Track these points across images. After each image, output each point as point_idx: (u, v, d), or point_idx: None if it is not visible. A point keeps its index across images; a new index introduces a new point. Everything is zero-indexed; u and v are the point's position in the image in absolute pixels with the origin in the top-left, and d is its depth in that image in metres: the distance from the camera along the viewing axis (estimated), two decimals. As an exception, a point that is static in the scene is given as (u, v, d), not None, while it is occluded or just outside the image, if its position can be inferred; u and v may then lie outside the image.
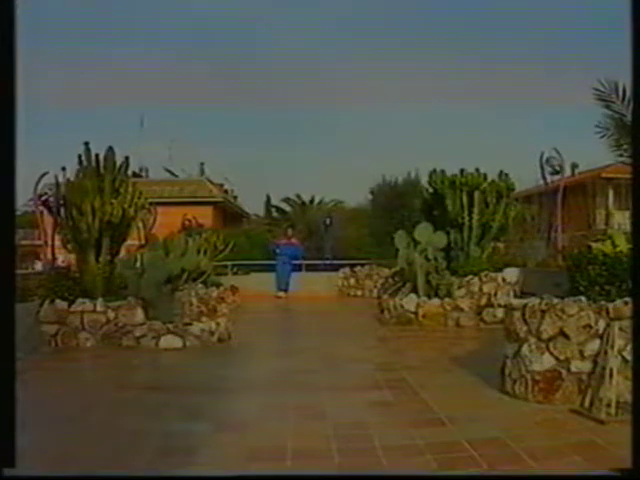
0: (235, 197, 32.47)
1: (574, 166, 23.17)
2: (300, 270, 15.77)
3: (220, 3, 41.43)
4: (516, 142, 44.14)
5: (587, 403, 3.82)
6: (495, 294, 8.57)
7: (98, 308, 6.97)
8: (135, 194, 7.70)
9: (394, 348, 7.18)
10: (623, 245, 4.30)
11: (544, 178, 11.08)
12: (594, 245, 4.50)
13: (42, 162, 10.49)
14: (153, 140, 53.49)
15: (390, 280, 10.06)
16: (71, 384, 5.28)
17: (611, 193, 23.32)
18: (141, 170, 28.35)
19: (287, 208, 34.67)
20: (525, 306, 4.14)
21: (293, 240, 16.44)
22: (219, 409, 4.24)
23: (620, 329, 3.76)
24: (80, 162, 7.50)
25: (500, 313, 7.71)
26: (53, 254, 9.32)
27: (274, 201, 35.72)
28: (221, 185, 29.81)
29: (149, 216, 11.86)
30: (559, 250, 10.27)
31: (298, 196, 34.12)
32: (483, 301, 8.55)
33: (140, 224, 10.52)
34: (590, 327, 3.91)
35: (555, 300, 4.08)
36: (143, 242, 10.83)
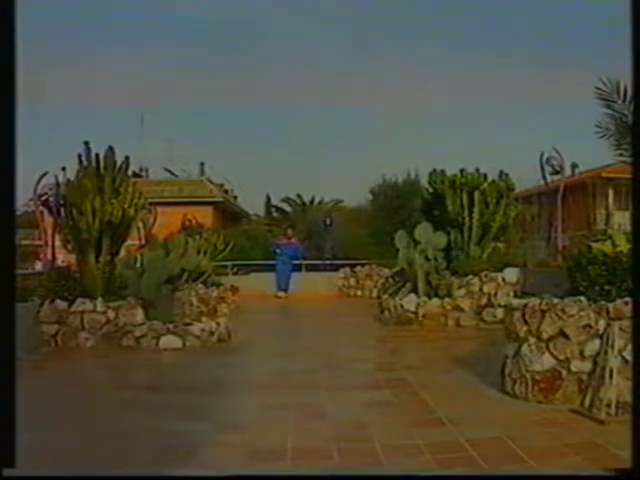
0: (235, 197, 32.49)
1: (574, 166, 23.17)
2: (300, 270, 15.77)
3: (221, 3, 41.47)
4: (516, 142, 44.14)
5: (587, 403, 3.81)
6: (495, 294, 8.56)
7: (98, 308, 6.96)
8: (135, 194, 7.71)
9: (394, 348, 7.19)
10: (623, 245, 4.30)
11: (544, 178, 11.08)
12: (594, 245, 4.50)
13: (42, 162, 10.51)
14: (153, 140, 53.51)
15: (390, 280, 10.07)
16: (71, 384, 5.28)
17: (611, 193, 23.34)
18: (141, 170, 28.36)
19: (287, 208, 34.69)
20: (525, 306, 4.14)
21: (293, 240, 16.43)
22: (219, 409, 4.24)
23: (620, 329, 3.76)
24: (80, 162, 7.50)
25: (500, 313, 7.71)
26: (53, 254, 9.32)
27: (274, 201, 35.78)
28: (221, 185, 29.83)
29: (149, 216, 11.85)
30: (559, 250, 10.28)
31: (298, 196, 34.15)
32: (483, 301, 8.55)
33: (140, 224, 10.51)
34: (590, 327, 3.90)
35: (555, 300, 4.08)
36: (143, 242, 10.83)
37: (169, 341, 6.76)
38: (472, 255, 9.08)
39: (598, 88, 7.75)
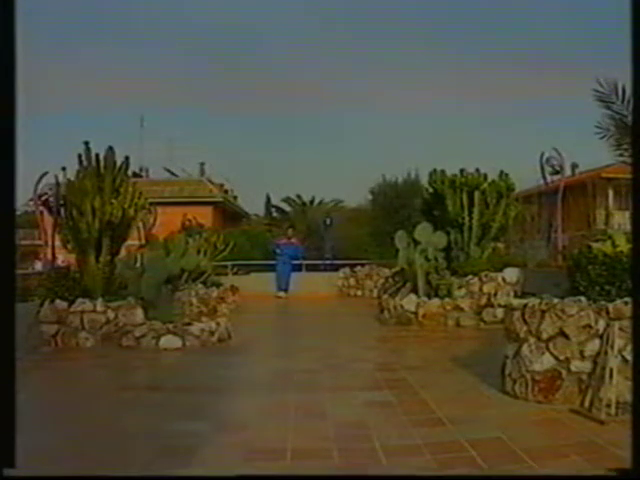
0: (235, 197, 32.51)
1: (574, 166, 23.17)
2: (300, 270, 15.77)
3: (222, 4, 41.46)
4: (516, 142, 44.15)
5: (587, 403, 3.81)
6: (495, 294, 8.56)
7: (98, 308, 6.97)
8: (135, 194, 7.70)
9: (394, 348, 7.19)
10: (623, 245, 4.30)
11: (544, 178, 11.09)
12: (594, 245, 4.50)
13: (42, 162, 10.52)
14: (153, 140, 53.56)
15: (390, 280, 10.05)
16: (71, 384, 5.28)
17: (611, 193, 23.33)
18: (141, 170, 28.38)
19: (287, 208, 34.74)
20: (525, 306, 4.14)
21: (293, 240, 16.44)
22: (219, 409, 4.24)
23: (620, 329, 3.76)
24: (80, 162, 7.50)
25: (500, 313, 7.71)
26: (53, 254, 9.33)
27: (274, 201, 35.84)
28: (221, 185, 29.85)
29: (149, 216, 11.87)
30: (559, 250, 10.29)
31: (298, 196, 34.20)
32: (483, 301, 8.54)
33: (140, 224, 10.52)
34: (590, 327, 3.90)
35: (555, 300, 4.07)
36: (143, 242, 10.84)
37: (169, 341, 6.76)
38: (472, 255, 9.08)
39: (596, 90, 7.76)
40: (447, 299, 8.52)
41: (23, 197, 14.72)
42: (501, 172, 9.63)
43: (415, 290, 8.75)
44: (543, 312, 4.02)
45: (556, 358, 3.96)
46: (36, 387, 4.92)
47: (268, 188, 38.69)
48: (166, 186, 25.68)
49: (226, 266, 13.62)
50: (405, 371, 5.33)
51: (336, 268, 16.06)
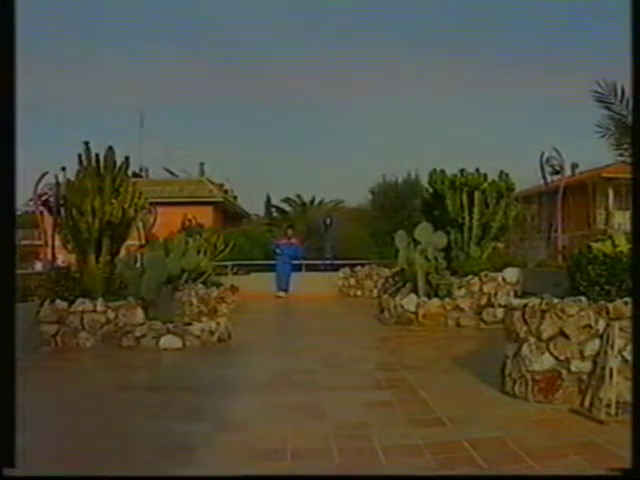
0: (235, 197, 32.49)
1: (574, 166, 23.17)
2: (300, 270, 15.77)
3: (222, 5, 41.49)
4: (516, 142, 44.16)
5: (587, 403, 3.81)
6: (495, 294, 8.55)
7: (98, 308, 6.96)
8: (135, 194, 7.70)
9: (394, 348, 7.18)
10: (623, 245, 4.30)
11: (544, 178, 11.11)
12: (594, 245, 4.50)
13: (42, 162, 10.53)
14: (153, 140, 53.53)
15: (390, 280, 10.06)
16: (71, 384, 5.28)
17: (611, 193, 23.32)
18: (141, 170, 28.36)
19: (287, 208, 34.72)
20: (525, 306, 4.14)
21: (293, 240, 16.44)
22: (219, 409, 4.24)
23: (620, 329, 3.76)
24: (80, 162, 7.50)
25: (500, 313, 7.70)
26: (53, 254, 9.34)
27: (274, 201, 35.82)
28: (221, 185, 29.83)
29: (149, 216, 11.89)
30: (559, 250, 10.30)
31: (298, 196, 34.18)
32: (483, 301, 8.54)
33: (140, 224, 10.54)
34: (590, 327, 3.91)
35: (555, 300, 4.08)
36: (143, 242, 10.85)
37: (169, 341, 6.76)
38: (472, 255, 9.08)
39: (595, 91, 7.77)
40: (447, 299, 8.52)
41: (23, 197, 14.74)
42: (501, 172, 9.62)
43: (415, 290, 8.75)
44: (543, 312, 4.02)
45: (556, 358, 3.96)
46: (36, 387, 4.92)
47: (268, 188, 38.69)
48: (166, 186, 25.66)
49: (226, 266, 13.63)
50: (405, 371, 5.33)
51: (336, 268, 16.05)
